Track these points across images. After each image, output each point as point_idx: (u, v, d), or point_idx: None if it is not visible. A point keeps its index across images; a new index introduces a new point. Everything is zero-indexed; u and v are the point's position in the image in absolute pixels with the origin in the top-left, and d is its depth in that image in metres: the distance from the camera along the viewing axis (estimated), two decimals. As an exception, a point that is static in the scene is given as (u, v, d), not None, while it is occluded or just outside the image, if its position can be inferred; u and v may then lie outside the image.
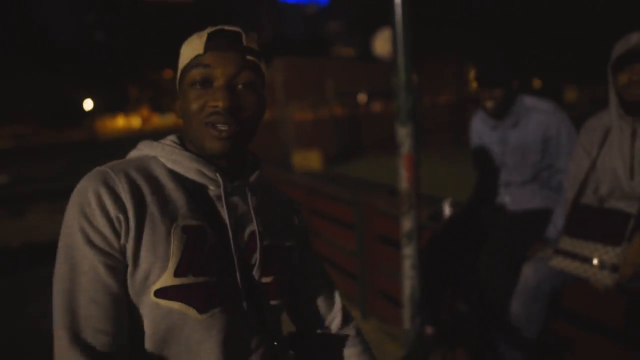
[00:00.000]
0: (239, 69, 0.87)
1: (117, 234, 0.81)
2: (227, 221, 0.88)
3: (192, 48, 0.89)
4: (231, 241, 0.88)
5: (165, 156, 0.90)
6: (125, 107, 54.01)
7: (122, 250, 0.81)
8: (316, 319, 1.07)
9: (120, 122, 58.09)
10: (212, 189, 0.90)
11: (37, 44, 41.83)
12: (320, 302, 1.07)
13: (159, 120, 58.48)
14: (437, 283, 2.58)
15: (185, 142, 0.94)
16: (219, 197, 0.90)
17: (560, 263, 1.91)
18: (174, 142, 0.93)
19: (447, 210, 2.88)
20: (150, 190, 0.85)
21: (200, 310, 0.82)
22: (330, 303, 1.08)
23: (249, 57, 0.88)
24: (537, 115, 2.34)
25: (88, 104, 45.64)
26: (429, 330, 2.52)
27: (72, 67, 43.07)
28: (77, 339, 0.77)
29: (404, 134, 2.54)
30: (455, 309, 2.68)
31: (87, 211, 0.81)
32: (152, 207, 0.84)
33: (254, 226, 0.92)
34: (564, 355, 2.20)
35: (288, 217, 1.04)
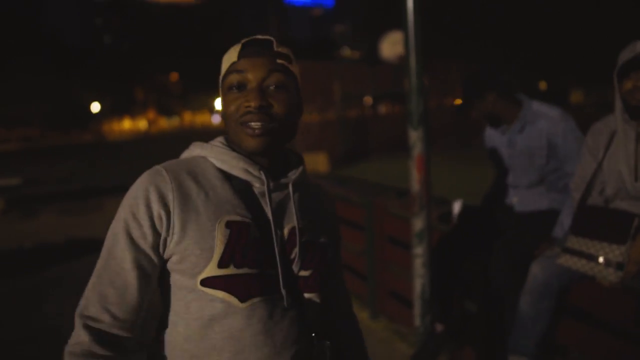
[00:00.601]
0: (269, 71, 0.95)
1: (156, 230, 0.91)
2: (270, 217, 0.96)
3: (229, 57, 0.99)
4: (273, 236, 0.95)
5: (214, 156, 0.99)
6: (132, 110, 54.32)
7: (162, 245, 0.91)
8: (335, 309, 1.16)
9: (126, 124, 58.41)
10: (256, 187, 0.98)
11: (45, 47, 42.15)
12: (339, 294, 1.17)
13: (165, 123, 58.78)
14: (447, 282, 2.66)
15: (230, 143, 1.02)
16: (263, 194, 0.98)
17: (567, 261, 1.98)
18: (222, 143, 1.02)
19: (456, 211, 2.96)
20: (197, 188, 0.94)
21: (241, 299, 0.90)
22: (346, 296, 1.21)
23: (279, 61, 0.96)
24: (543, 121, 2.42)
25: (95, 107, 45.97)
26: (438, 327, 2.59)
27: (79, 70, 43.39)
28: (86, 310, 0.89)
29: (415, 137, 2.62)
30: (464, 307, 2.75)
31: (134, 205, 0.92)
32: (199, 204, 0.92)
33: (294, 222, 0.99)
34: (570, 352, 2.26)
35: (325, 214, 1.12)
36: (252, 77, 0.95)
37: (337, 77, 14.35)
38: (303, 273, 0.99)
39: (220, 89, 1.02)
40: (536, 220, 2.45)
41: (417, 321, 2.81)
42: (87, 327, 0.88)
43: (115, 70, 45.88)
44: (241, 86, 0.96)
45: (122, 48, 54.55)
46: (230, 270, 0.90)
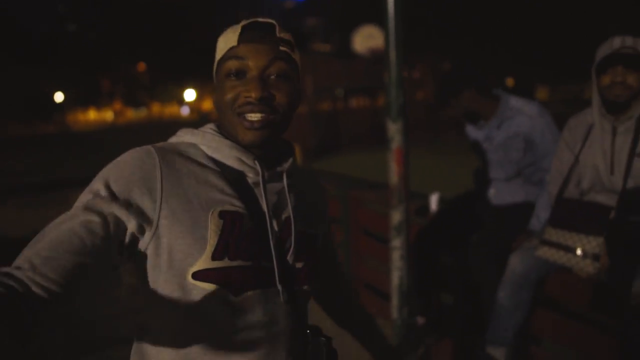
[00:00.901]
0: (272, 60, 0.89)
1: (139, 206, 0.83)
2: (265, 207, 0.92)
3: (227, 40, 0.91)
4: (268, 227, 0.92)
5: (206, 143, 0.93)
6: (98, 101, 52.92)
7: (145, 225, 0.83)
8: (333, 298, 1.16)
9: (92, 115, 56.91)
10: (250, 176, 0.94)
11: (6, 36, 40.59)
12: (336, 282, 1.16)
13: (132, 114, 57.51)
14: (425, 274, 2.67)
15: (221, 131, 0.97)
16: (257, 184, 0.94)
17: (545, 253, 2.02)
18: (214, 130, 0.96)
19: (434, 204, 2.98)
20: (188, 173, 0.89)
21: (235, 293, 0.86)
22: (343, 281, 1.19)
23: (281, 48, 0.90)
24: (521, 118, 2.45)
25: (59, 97, 44.58)
26: (420, 320, 2.60)
27: (42, 59, 41.95)
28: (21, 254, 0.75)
29: (394, 129, 2.61)
30: (443, 300, 2.77)
31: (121, 163, 0.85)
32: (189, 190, 0.87)
33: (288, 212, 0.96)
34: (543, 341, 2.31)
35: (317, 203, 1.08)
36: (253, 64, 0.89)
37: (309, 70, 14.31)
38: (298, 265, 0.96)
39: (214, 73, 0.96)
40: (513, 213, 2.49)
41: (395, 313, 2.81)
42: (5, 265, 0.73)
43: (80, 59, 44.53)
44: (240, 74, 0.90)
45: (87, 37, 52.96)
46: (224, 263, 0.86)
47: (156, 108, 58.78)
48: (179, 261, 0.85)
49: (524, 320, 2.16)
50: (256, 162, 0.93)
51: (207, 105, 47.57)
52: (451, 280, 2.72)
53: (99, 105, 54.77)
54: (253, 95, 0.87)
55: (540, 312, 2.24)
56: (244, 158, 0.93)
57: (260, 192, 0.94)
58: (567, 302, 2.25)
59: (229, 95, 0.90)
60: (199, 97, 47.97)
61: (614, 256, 1.89)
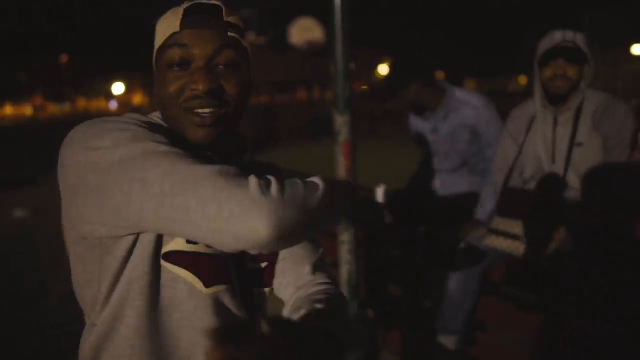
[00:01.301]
0: (219, 47, 0.80)
1: None
2: None
3: (167, 25, 0.82)
4: None
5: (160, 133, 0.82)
6: (15, 95, 49.46)
7: None
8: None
9: (7, 110, 53.16)
10: None
11: None
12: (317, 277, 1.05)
13: (55, 109, 54.27)
14: (375, 267, 2.68)
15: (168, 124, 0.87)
16: None
17: (493, 242, 2.07)
18: (161, 120, 0.86)
19: (380, 197, 2.98)
20: None
21: (206, 284, 0.79)
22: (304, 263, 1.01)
23: (230, 34, 0.82)
24: (467, 109, 2.50)
25: (-30, 90, 41.26)
26: (370, 313, 2.60)
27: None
28: None
29: (341, 122, 2.58)
30: (393, 292, 2.79)
31: (133, 124, 0.75)
32: None
33: None
34: (488, 327, 2.39)
35: None
36: (198, 53, 0.79)
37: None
38: (260, 265, 0.90)
39: (154, 64, 0.86)
40: (458, 203, 2.54)
41: (345, 307, 2.81)
42: None
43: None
44: (184, 64, 0.80)
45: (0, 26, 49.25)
46: (199, 248, 0.78)
47: (82, 103, 55.82)
48: (152, 237, 0.76)
49: (473, 309, 2.21)
50: (209, 156, 0.84)
51: (138, 99, 45.73)
52: (401, 272, 2.74)
53: (15, 100, 51.22)
54: (200, 87, 0.78)
55: (487, 299, 2.30)
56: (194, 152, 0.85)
57: None
58: (512, 289, 2.33)
59: (173, 88, 0.80)
60: (128, 90, 45.99)
61: (557, 242, 1.97)
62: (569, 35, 1.92)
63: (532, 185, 2.15)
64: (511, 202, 2.08)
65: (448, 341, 2.22)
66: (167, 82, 0.81)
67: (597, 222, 1.97)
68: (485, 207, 2.37)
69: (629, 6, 14.63)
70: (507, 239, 2.02)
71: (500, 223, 2.06)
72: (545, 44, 1.97)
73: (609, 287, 1.82)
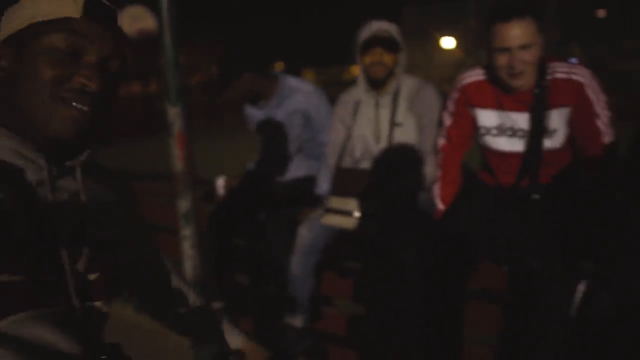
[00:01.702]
0: (115, 51, 0.79)
1: None
2: (50, 209, 0.76)
3: (58, 5, 0.75)
4: (54, 233, 0.75)
5: None
6: None
7: None
8: (164, 309, 1.07)
9: None
10: (31, 172, 0.76)
11: None
12: (168, 288, 1.06)
13: None
14: (220, 259, 2.65)
15: None
16: (41, 182, 0.77)
17: (330, 220, 2.19)
18: None
19: (220, 189, 2.96)
20: None
21: None
22: (177, 284, 1.09)
23: (122, 41, 0.81)
24: (299, 96, 2.59)
25: None
26: (216, 305, 2.57)
27: None
28: None
29: (174, 113, 2.49)
30: (240, 281, 2.79)
31: None
32: None
33: (81, 214, 0.80)
34: (333, 301, 2.53)
35: (120, 204, 0.92)
36: (95, 49, 0.76)
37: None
38: (90, 276, 0.81)
39: (23, 32, 0.75)
40: (297, 187, 2.63)
41: (192, 303, 2.73)
42: None
43: None
44: (74, 53, 0.75)
45: None
46: None
47: None
48: None
49: (316, 285, 2.32)
50: (40, 156, 0.76)
51: None
52: (246, 261, 2.76)
53: None
54: (93, 86, 0.74)
55: (328, 274, 2.43)
56: (22, 150, 0.76)
57: (45, 190, 0.77)
58: (349, 262, 2.49)
59: (51, 73, 0.73)
60: None
61: (386, 214, 2.15)
62: (385, 25, 2.13)
63: (362, 165, 2.31)
64: (344, 181, 2.22)
65: (296, 321, 2.30)
66: (44, 64, 0.73)
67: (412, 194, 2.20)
68: (322, 188, 2.49)
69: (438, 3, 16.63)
70: (341, 216, 2.16)
71: (335, 202, 2.19)
72: (364, 33, 2.13)
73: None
